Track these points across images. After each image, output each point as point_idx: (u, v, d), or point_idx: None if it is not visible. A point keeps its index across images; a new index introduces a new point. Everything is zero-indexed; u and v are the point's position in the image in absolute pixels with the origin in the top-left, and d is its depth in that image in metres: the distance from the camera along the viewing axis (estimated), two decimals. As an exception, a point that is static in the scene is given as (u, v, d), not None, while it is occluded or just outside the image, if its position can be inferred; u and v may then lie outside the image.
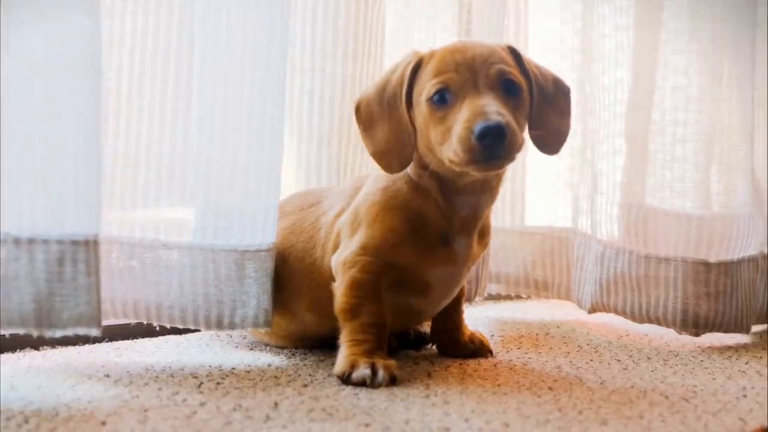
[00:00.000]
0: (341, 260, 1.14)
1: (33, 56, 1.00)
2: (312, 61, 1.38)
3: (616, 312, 1.48)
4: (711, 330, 1.43)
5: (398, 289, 1.15)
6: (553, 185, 1.66)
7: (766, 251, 1.52)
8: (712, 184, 1.48)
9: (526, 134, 1.12)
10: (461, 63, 1.07)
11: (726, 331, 1.43)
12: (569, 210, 1.61)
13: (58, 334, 1.01)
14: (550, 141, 1.15)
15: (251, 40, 1.15)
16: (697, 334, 1.43)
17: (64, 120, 1.01)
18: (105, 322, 1.28)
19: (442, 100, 1.07)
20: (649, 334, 1.48)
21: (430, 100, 1.08)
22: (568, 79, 1.56)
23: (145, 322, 1.19)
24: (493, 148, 1.01)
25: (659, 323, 1.44)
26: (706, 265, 1.42)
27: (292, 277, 1.21)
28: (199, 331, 1.32)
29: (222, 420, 0.92)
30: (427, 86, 1.08)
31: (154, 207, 1.20)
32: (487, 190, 1.14)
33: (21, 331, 1.01)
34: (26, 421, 0.89)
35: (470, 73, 1.07)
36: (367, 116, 1.14)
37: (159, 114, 1.18)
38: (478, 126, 1.01)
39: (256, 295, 1.18)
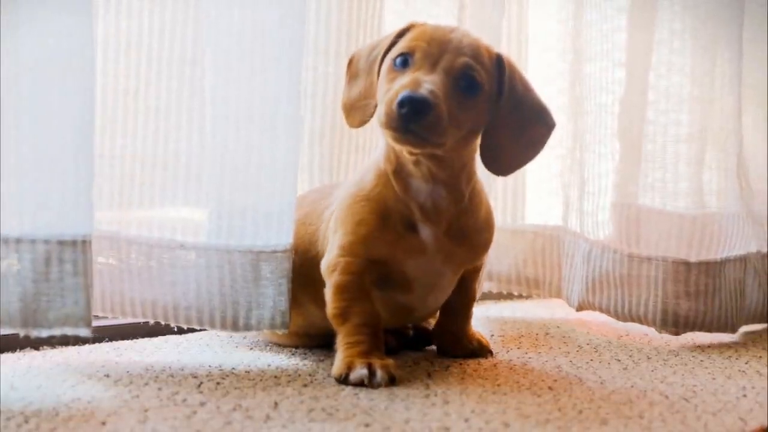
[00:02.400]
0: (326, 264, 1.15)
1: (22, 55, 0.99)
2: (305, 59, 1.38)
3: (601, 310, 1.48)
4: (692, 329, 1.43)
5: (383, 286, 1.15)
6: (547, 185, 1.66)
7: (764, 251, 1.53)
8: (696, 184, 1.48)
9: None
10: (435, 38, 1.08)
11: (709, 331, 1.44)
12: (561, 208, 1.61)
13: (44, 333, 1.01)
14: (502, 161, 1.14)
15: (264, 38, 1.15)
16: (677, 333, 1.44)
17: (54, 120, 1.01)
18: (109, 322, 1.29)
19: (404, 63, 1.08)
20: (649, 333, 1.48)
21: (393, 60, 1.09)
22: (566, 79, 1.58)
23: (162, 322, 1.19)
24: (408, 119, 1.01)
25: (641, 322, 1.45)
26: (687, 264, 1.42)
27: (299, 268, 1.21)
28: (201, 330, 1.32)
29: (222, 420, 0.92)
30: (396, 47, 1.10)
31: (171, 206, 1.20)
32: (439, 181, 1.12)
33: (7, 331, 1.01)
34: (26, 421, 0.89)
35: (438, 51, 1.07)
36: (354, 70, 1.18)
37: (175, 113, 1.19)
38: (402, 93, 1.02)
39: (272, 296, 1.18)
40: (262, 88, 1.16)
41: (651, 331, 1.50)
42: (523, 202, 1.66)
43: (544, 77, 1.63)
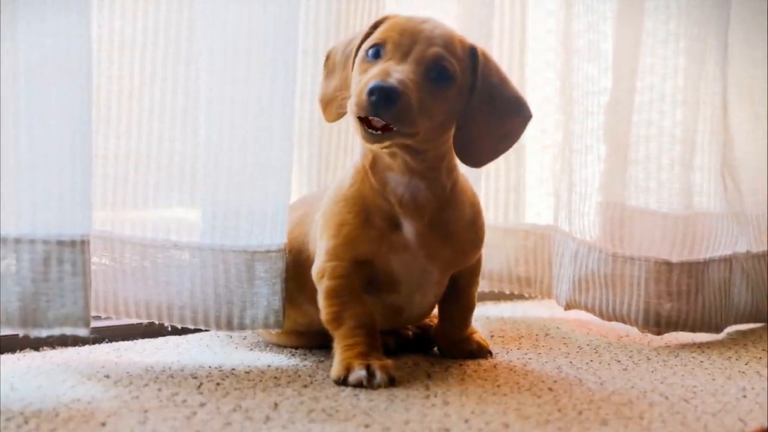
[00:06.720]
0: (315, 271, 1.15)
1: (20, 55, 0.99)
2: None
3: (587, 309, 1.49)
4: (674, 329, 1.44)
5: (371, 288, 1.15)
6: (546, 186, 1.66)
7: (753, 251, 1.53)
8: (681, 185, 1.48)
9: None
10: (407, 29, 1.08)
11: (692, 331, 1.44)
12: (552, 208, 1.61)
13: (44, 333, 1.01)
14: (474, 152, 1.13)
15: (259, 38, 1.16)
16: (659, 333, 1.44)
17: (53, 120, 1.01)
18: (109, 323, 1.29)
19: (376, 54, 1.08)
20: (649, 334, 1.48)
21: (365, 51, 1.09)
22: (562, 78, 1.57)
23: (156, 322, 1.19)
24: (377, 107, 1.01)
25: (624, 321, 1.45)
26: (668, 264, 1.43)
27: (294, 269, 1.21)
28: (200, 331, 1.32)
29: (222, 421, 0.92)
30: (369, 39, 1.10)
31: (165, 207, 1.21)
32: (417, 173, 1.12)
33: (6, 331, 1.02)
34: (26, 422, 0.89)
35: (409, 41, 1.07)
36: (331, 65, 1.18)
37: (170, 113, 1.19)
38: (372, 83, 1.02)
39: (266, 296, 1.18)
40: (257, 88, 1.16)
41: (650, 331, 1.50)
42: (522, 202, 1.66)
43: (544, 77, 1.63)
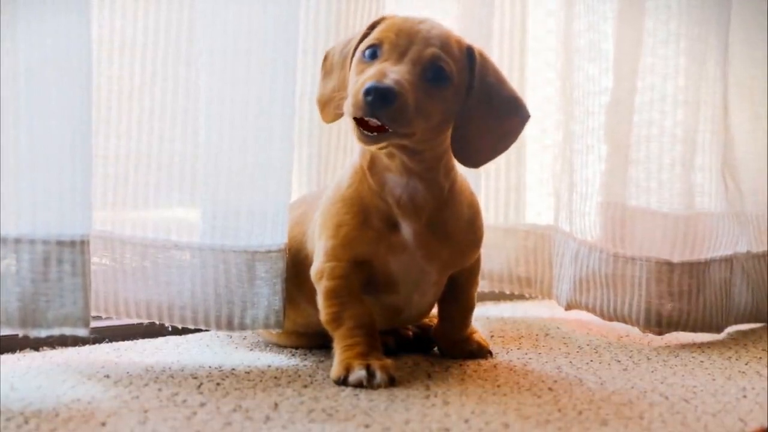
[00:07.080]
0: (314, 271, 1.15)
1: (20, 55, 0.99)
2: None
3: (587, 310, 1.49)
4: (675, 329, 1.44)
5: (369, 288, 1.15)
6: (547, 186, 1.66)
7: (754, 251, 1.53)
8: (682, 185, 1.48)
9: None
10: (404, 30, 1.08)
11: (693, 331, 1.45)
12: (553, 208, 1.61)
13: (43, 333, 1.01)
14: (472, 152, 1.13)
15: (259, 38, 1.16)
16: (660, 333, 1.45)
17: (53, 120, 1.01)
18: (109, 323, 1.29)
19: (373, 55, 1.08)
20: (649, 334, 1.48)
21: (362, 52, 1.09)
22: (563, 78, 1.58)
23: (156, 322, 1.20)
24: (374, 108, 1.01)
25: (625, 321, 1.46)
26: (669, 264, 1.43)
27: (294, 267, 1.21)
28: (200, 331, 1.33)
29: (222, 421, 0.92)
30: (366, 40, 1.10)
31: (165, 207, 1.21)
32: (415, 174, 1.12)
33: (6, 331, 1.02)
34: (26, 422, 0.89)
35: (406, 42, 1.07)
36: (329, 65, 1.18)
37: (170, 113, 1.19)
38: (368, 83, 1.01)
39: (267, 296, 1.18)
40: (257, 88, 1.16)
41: (651, 331, 1.50)
42: (522, 202, 1.66)
43: (544, 78, 1.63)
